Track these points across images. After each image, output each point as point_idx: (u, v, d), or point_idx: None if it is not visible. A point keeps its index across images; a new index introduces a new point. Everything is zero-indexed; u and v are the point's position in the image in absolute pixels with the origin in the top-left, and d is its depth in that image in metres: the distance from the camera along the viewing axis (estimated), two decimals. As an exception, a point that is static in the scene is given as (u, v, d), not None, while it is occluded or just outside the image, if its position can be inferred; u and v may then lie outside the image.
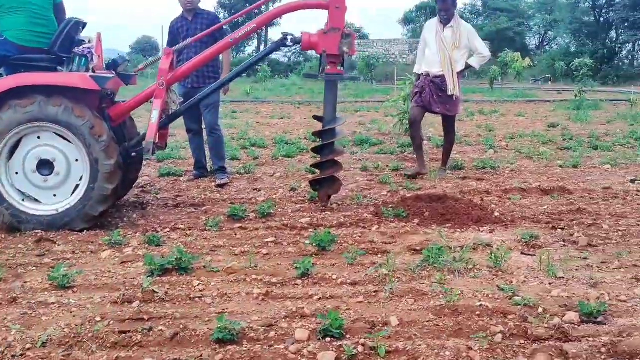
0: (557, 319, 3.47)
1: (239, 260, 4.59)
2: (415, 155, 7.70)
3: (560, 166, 8.24)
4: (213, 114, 7.48)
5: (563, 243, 4.92)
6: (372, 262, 4.49)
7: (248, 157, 9.28)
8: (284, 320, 3.54)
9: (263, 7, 6.03)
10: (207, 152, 7.91)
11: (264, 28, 50.25)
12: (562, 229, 5.34)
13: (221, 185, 7.25)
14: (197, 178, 7.68)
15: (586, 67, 18.06)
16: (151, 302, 3.81)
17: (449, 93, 7.14)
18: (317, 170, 6.18)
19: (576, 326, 3.40)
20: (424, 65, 7.39)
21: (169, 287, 4.05)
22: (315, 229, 5.45)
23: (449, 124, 7.52)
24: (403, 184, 7.17)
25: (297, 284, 4.11)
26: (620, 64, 39.79)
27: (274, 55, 51.09)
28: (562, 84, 34.53)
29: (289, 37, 5.65)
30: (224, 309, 3.71)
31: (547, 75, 37.98)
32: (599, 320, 3.45)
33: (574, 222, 5.52)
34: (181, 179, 7.70)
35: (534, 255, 4.65)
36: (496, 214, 5.82)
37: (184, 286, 4.07)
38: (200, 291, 4.00)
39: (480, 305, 3.65)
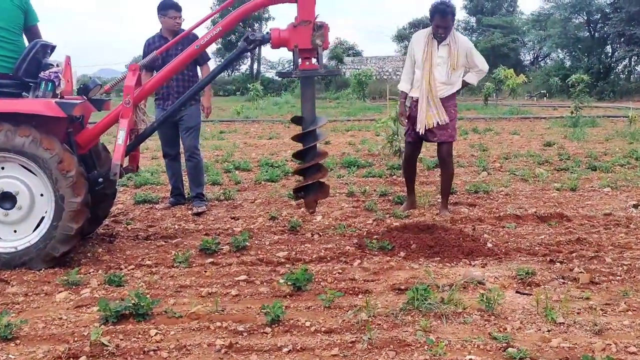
0: (557, 377, 3.03)
1: (205, 303, 4.15)
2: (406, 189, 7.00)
3: (558, 189, 7.83)
4: (193, 137, 7.06)
5: (562, 280, 4.49)
6: (351, 305, 4.06)
7: (230, 181, 8.85)
8: (245, 380, 3.11)
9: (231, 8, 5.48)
10: (185, 178, 7.48)
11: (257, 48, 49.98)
12: (561, 262, 4.91)
13: (198, 214, 6.82)
14: (173, 205, 7.25)
15: (582, 83, 17.70)
16: (99, 358, 3.38)
17: (417, 128, 6.36)
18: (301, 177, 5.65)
19: (579, 386, 2.97)
20: (414, 90, 6.52)
21: (122, 337, 3.61)
22: (292, 264, 5.02)
23: (445, 152, 6.54)
24: (390, 210, 6.75)
25: (266, 333, 3.67)
26: (617, 79, 39.49)
27: (267, 74, 50.87)
28: (558, 99, 34.24)
29: (256, 36, 5.18)
30: (179, 366, 3.27)
31: (542, 91, 37.69)
32: (605, 379, 3.01)
33: (574, 254, 5.09)
34: (157, 206, 7.27)
35: (531, 294, 4.22)
36: (489, 245, 5.39)
37: (140, 336, 3.63)
38: (157, 342, 3.57)
39: (470, 360, 3.21)
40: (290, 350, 3.42)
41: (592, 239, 5.54)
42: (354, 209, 6.97)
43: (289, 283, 4.36)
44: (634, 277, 4.56)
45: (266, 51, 56.33)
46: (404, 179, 6.94)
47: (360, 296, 4.26)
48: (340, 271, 4.79)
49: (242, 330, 3.70)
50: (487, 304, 3.91)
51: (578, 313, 3.88)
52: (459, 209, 6.82)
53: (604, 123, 18.12)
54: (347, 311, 3.96)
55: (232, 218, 6.66)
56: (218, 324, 3.79)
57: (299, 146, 5.35)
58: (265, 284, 4.55)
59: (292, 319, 3.82)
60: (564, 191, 7.76)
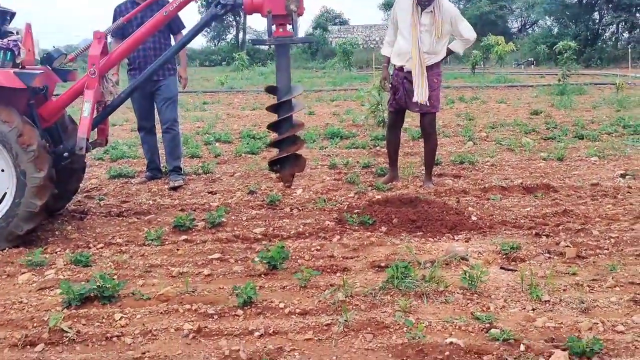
0: (542, 360, 2.87)
1: (175, 284, 3.96)
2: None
3: (544, 159, 7.65)
4: (172, 108, 6.79)
5: (548, 255, 4.32)
6: (329, 284, 3.87)
7: (209, 154, 8.61)
8: (212, 368, 2.92)
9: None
10: (162, 151, 7.23)
11: (242, 14, 49.23)
12: (547, 235, 4.74)
13: (174, 188, 6.60)
14: (149, 180, 7.02)
15: (570, 50, 17.46)
16: (58, 345, 3.18)
17: (415, 99, 6.06)
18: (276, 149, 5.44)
19: (565, 370, 2.80)
20: (395, 56, 6.27)
21: (84, 322, 3.42)
22: (269, 241, 4.83)
23: (428, 123, 6.31)
24: (373, 183, 6.55)
25: (237, 315, 3.49)
26: (604, 45, 39.27)
27: (253, 43, 50.15)
28: (545, 67, 34.03)
29: (228, 0, 4.88)
30: (144, 353, 3.08)
31: (529, 59, 37.44)
32: (592, 362, 2.85)
33: (560, 227, 4.93)
34: (132, 181, 7.03)
35: (515, 270, 4.05)
36: (473, 218, 5.22)
37: (103, 321, 3.44)
38: (122, 327, 3.37)
39: (451, 343, 3.03)
40: (262, 334, 3.24)
41: (579, 210, 5.38)
42: (336, 181, 6.77)
43: (264, 261, 4.16)
44: (622, 250, 4.40)
45: (252, 20, 55.53)
46: (386, 151, 6.73)
47: (338, 274, 4.08)
48: (318, 248, 4.60)
49: (212, 312, 3.51)
50: (470, 282, 3.73)
51: (564, 290, 3.71)
52: (444, 180, 6.64)
53: (591, 91, 17.96)
54: (324, 291, 3.78)
55: (209, 192, 6.44)
56: (187, 306, 3.60)
57: (276, 117, 5.12)
58: (239, 262, 4.36)
59: (265, 300, 3.64)
60: (551, 161, 7.59)
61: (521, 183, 6.35)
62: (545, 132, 9.74)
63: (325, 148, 8.72)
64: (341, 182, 6.74)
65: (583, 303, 3.49)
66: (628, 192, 5.95)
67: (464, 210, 5.42)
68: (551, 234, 4.76)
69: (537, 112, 12.48)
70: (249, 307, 3.55)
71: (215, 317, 3.47)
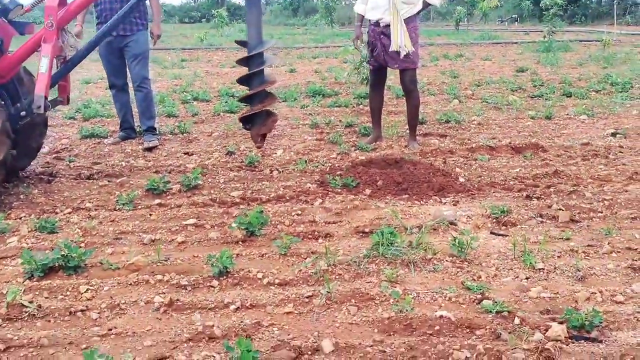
0: (538, 334, 2.67)
1: (146, 252, 3.72)
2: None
3: (532, 117, 7.43)
4: (141, 66, 6.44)
5: (540, 218, 4.12)
6: (310, 251, 3.65)
7: (187, 113, 8.29)
8: (184, 345, 2.70)
9: None
10: (136, 110, 6.91)
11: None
12: (538, 198, 4.54)
13: (149, 149, 6.31)
14: (123, 140, 6.71)
15: (556, 6, 17.11)
16: (17, 321, 2.94)
17: (392, 49, 5.74)
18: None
19: (563, 345, 2.61)
20: (370, 10, 5.93)
21: (47, 295, 3.18)
22: (248, 205, 4.59)
23: (409, 80, 5.99)
24: (356, 143, 6.30)
25: (212, 287, 3.26)
26: (589, 2, 38.88)
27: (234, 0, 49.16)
28: (529, 24, 33.65)
29: None
30: (110, 329, 2.84)
31: (513, 16, 36.99)
32: (592, 336, 2.66)
33: (551, 189, 4.72)
34: (105, 141, 6.72)
35: (507, 235, 3.85)
36: (461, 179, 5.00)
37: (68, 294, 3.20)
38: (87, 300, 3.14)
39: (441, 316, 2.83)
40: (238, 307, 3.01)
41: (570, 171, 5.18)
42: (318, 141, 6.51)
43: (241, 228, 3.92)
44: (616, 213, 4.21)
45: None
46: (369, 110, 6.46)
47: (320, 241, 3.85)
48: (299, 212, 4.36)
49: (185, 284, 3.28)
50: (460, 249, 3.52)
51: (559, 256, 3.52)
52: (429, 140, 6.40)
53: (577, 47, 17.70)
54: (305, 259, 3.55)
55: (185, 153, 6.16)
56: (159, 276, 3.36)
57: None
58: (216, 228, 4.11)
59: (243, 270, 3.41)
60: (539, 119, 7.36)
61: (509, 143, 6.13)
62: (532, 90, 9.50)
63: (306, 107, 8.42)
64: (323, 142, 6.48)
65: (579, 271, 3.30)
66: (620, 152, 5.75)
67: (451, 171, 5.20)
68: (542, 197, 4.56)
69: (523, 69, 12.23)
70: (224, 277, 3.32)
71: (189, 288, 3.24)
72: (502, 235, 3.88)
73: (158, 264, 3.54)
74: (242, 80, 4.93)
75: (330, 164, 5.55)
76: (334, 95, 9.39)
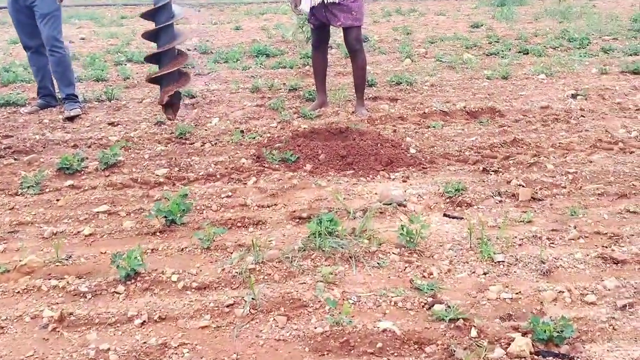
0: (499, 350, 2.24)
1: (45, 249, 3.17)
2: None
3: (488, 78, 6.98)
4: (50, 26, 5.71)
5: (499, 197, 3.68)
6: (237, 244, 3.15)
7: (118, 76, 7.61)
8: (71, 378, 2.19)
9: None
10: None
11: None
12: (496, 171, 4.11)
13: (70, 119, 5.67)
14: (41, 109, 6.05)
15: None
16: None
17: (329, 0, 5.19)
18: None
19: (529, 364, 2.18)
20: None
21: None
22: (173, 185, 4.06)
23: (353, 39, 5.42)
24: (299, 109, 5.77)
25: (117, 293, 2.75)
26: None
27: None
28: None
29: None
30: (-17, 356, 2.32)
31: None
32: (562, 352, 2.23)
33: (510, 160, 4.30)
34: (22, 110, 6.04)
35: (462, 218, 3.41)
36: (412, 151, 4.54)
37: (-60, 308, 2.64)
38: (-37, 315, 2.59)
39: (385, 330, 2.37)
40: (144, 321, 2.52)
41: (529, 139, 4.76)
42: (258, 107, 5.96)
43: (160, 216, 3.39)
44: (581, 188, 3.81)
45: None
46: (313, 74, 5.91)
47: (250, 229, 3.36)
48: (229, 194, 3.85)
49: (85, 290, 2.76)
50: (409, 238, 3.06)
51: (520, 245, 3.09)
52: (379, 105, 5.90)
53: (532, 1, 17.24)
54: (232, 253, 3.06)
55: (109, 124, 5.54)
56: (55, 282, 2.83)
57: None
58: (132, 215, 3.58)
59: (156, 270, 2.90)
60: (495, 80, 6.92)
61: (464, 107, 5.68)
62: (488, 47, 9.04)
63: (248, 68, 7.81)
64: (264, 108, 5.93)
65: (543, 263, 2.88)
66: (582, 116, 5.35)
67: (401, 141, 4.73)
68: (500, 170, 4.13)
69: (478, 24, 11.75)
70: (133, 281, 2.81)
71: (89, 296, 2.73)
72: (456, 218, 3.44)
73: (57, 264, 3.01)
74: (148, 35, 4.40)
75: (269, 135, 5.02)
76: (279, 55, 8.78)
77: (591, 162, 4.24)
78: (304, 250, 3.04)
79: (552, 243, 3.10)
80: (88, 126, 5.51)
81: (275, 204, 3.68)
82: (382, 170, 4.20)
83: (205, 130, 5.29)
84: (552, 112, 5.48)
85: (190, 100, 6.26)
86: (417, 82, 6.80)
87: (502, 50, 8.63)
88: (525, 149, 4.56)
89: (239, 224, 3.41)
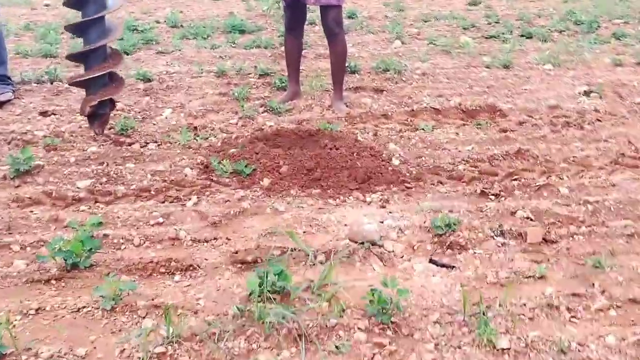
0: None
1: None
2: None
3: (487, 66, 6.14)
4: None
5: (501, 238, 2.88)
6: (153, 305, 2.35)
7: (64, 51, 6.68)
8: None
9: None
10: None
11: None
12: (497, 195, 3.31)
13: (-1, 104, 4.83)
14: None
15: None
16: None
17: None
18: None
19: None
20: None
21: None
22: (94, 203, 3.24)
23: (332, 20, 4.58)
24: (268, 100, 4.93)
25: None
26: None
27: None
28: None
29: None
30: None
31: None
32: None
33: (514, 181, 3.50)
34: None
35: (453, 267, 2.62)
36: (395, 162, 3.74)
37: None
38: None
39: None
40: None
41: (537, 150, 3.95)
42: (220, 97, 5.11)
43: (57, 257, 2.58)
44: (605, 224, 3.02)
45: None
46: (285, 60, 5.06)
47: (177, 278, 2.56)
48: (161, 220, 3.04)
49: None
50: (382, 309, 2.26)
51: (531, 319, 2.30)
52: (361, 98, 5.06)
53: (533, -23, 16.32)
54: (143, 318, 2.26)
55: (41, 113, 4.69)
56: None
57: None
58: (27, 251, 2.77)
59: (28, 351, 2.09)
60: (495, 69, 6.08)
61: (460, 104, 4.85)
62: (487, 29, 8.17)
63: (218, 47, 6.91)
64: (226, 98, 5.08)
65: (564, 354, 2.09)
66: (597, 120, 4.54)
67: (383, 149, 3.92)
68: (503, 193, 3.34)
69: (476, 2, 10.83)
70: (-8, 368, 2.01)
71: None
72: (446, 266, 2.64)
73: None
74: (73, 30, 3.58)
75: (225, 135, 4.19)
76: (255, 31, 7.87)
77: (614, 185, 3.44)
78: (240, 317, 2.24)
79: (574, 317, 2.31)
80: (18, 114, 4.67)
81: (215, 239, 2.87)
82: (357, 188, 3.39)
83: (153, 124, 4.46)
84: (562, 114, 4.67)
85: (146, 84, 5.40)
86: (407, 69, 5.94)
87: (503, 33, 7.77)
88: (531, 163, 3.76)
89: (162, 269, 2.60)
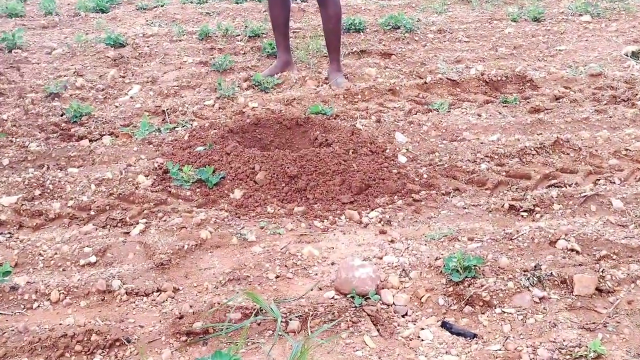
0: None
1: None
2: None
3: (514, 20, 5.28)
4: None
5: (539, 291, 2.12)
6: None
7: (38, 11, 5.94)
8: None
9: None
10: None
11: None
12: (531, 211, 2.57)
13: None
14: None
15: None
16: None
17: None
18: None
19: None
20: None
21: None
22: (19, 227, 2.56)
23: None
24: (254, 72, 4.18)
25: None
26: None
27: None
28: None
29: None
30: None
31: None
32: None
33: (552, 189, 2.74)
34: None
35: (474, 336, 1.92)
36: (401, 160, 3.00)
37: None
38: None
39: None
40: None
41: (578, 141, 3.16)
42: (199, 67, 4.36)
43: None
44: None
45: None
46: (271, 27, 4.26)
47: (114, 354, 1.88)
48: (94, 258, 2.36)
49: None
50: None
51: None
52: (364, 66, 4.26)
53: None
54: None
55: (-14, 94, 3.99)
56: None
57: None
58: None
59: None
60: (523, 22, 5.23)
61: (482, 73, 4.04)
62: (512, -30, 7.22)
63: (206, 1, 6.08)
64: (206, 69, 4.32)
65: None
66: (652, 93, 3.73)
67: (387, 141, 3.16)
68: (538, 208, 2.59)
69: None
70: None
71: None
72: (463, 335, 1.94)
73: None
74: None
75: (197, 123, 3.45)
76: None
77: (683, 193, 2.68)
78: None
79: None
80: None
81: (158, 290, 2.17)
82: (351, 202, 2.68)
83: (115, 107, 3.74)
84: (607, 84, 3.85)
85: (117, 51, 4.65)
86: (420, 25, 5.10)
87: (531, -25, 6.82)
88: (573, 159, 3.00)
89: (78, 347, 1.92)
